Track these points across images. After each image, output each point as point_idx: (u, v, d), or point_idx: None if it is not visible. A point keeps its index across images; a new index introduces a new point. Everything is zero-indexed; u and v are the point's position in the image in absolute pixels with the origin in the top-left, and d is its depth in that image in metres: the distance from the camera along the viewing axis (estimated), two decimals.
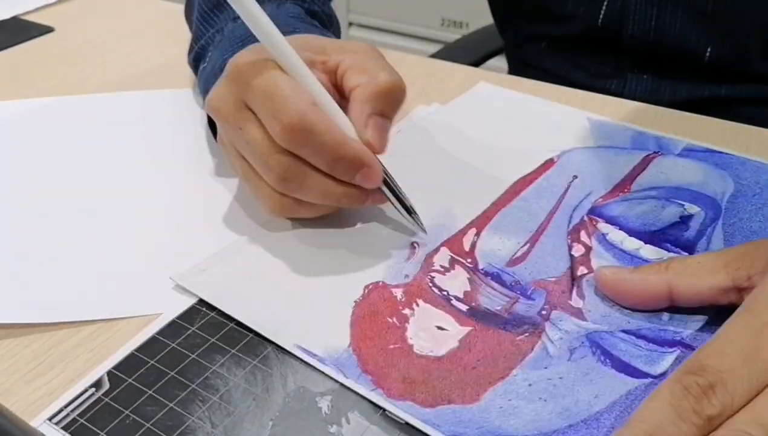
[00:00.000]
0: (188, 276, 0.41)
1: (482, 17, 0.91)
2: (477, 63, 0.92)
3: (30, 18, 0.75)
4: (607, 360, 0.35)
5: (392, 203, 0.43)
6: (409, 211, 0.43)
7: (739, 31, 0.64)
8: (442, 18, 1.94)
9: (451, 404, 0.33)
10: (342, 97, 0.43)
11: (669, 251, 0.42)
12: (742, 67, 0.65)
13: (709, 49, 0.64)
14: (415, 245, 0.43)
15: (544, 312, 0.38)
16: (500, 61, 0.97)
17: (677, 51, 0.65)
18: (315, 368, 0.35)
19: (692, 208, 0.45)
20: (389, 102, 0.42)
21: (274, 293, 0.40)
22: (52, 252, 0.43)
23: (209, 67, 0.50)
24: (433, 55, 0.89)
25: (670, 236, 0.43)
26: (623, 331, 0.37)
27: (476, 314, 0.38)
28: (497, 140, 0.53)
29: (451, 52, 0.97)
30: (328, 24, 0.56)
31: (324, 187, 0.41)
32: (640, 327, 0.37)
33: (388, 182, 0.43)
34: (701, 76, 0.66)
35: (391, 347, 0.36)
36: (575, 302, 0.39)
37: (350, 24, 2.16)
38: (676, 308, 0.38)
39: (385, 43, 1.95)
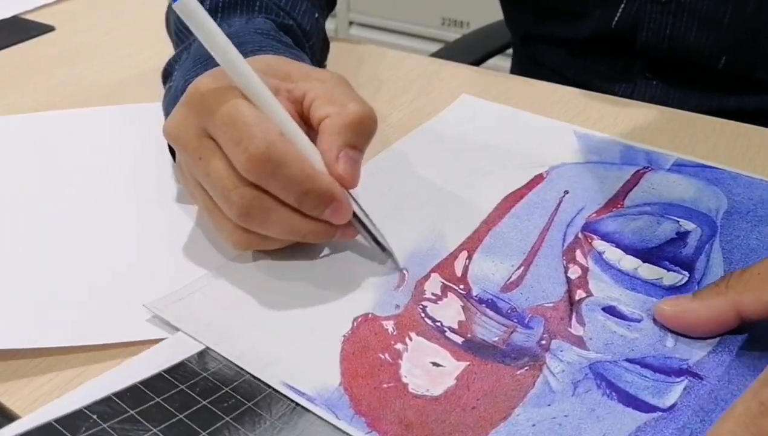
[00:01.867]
0: (164, 304, 0.38)
1: (483, 16, 0.91)
2: (477, 62, 0.91)
3: (30, 17, 0.75)
4: (613, 394, 0.34)
5: (363, 237, 0.41)
6: (382, 247, 0.41)
7: (755, 42, 0.62)
8: (442, 17, 1.95)
9: None
10: (309, 127, 0.40)
11: (668, 269, 0.41)
12: (755, 78, 0.64)
13: (723, 59, 0.63)
14: (405, 270, 0.41)
15: (543, 342, 0.36)
16: (501, 61, 0.97)
17: (690, 59, 0.64)
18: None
19: (688, 225, 0.44)
20: (361, 134, 0.39)
21: (257, 325, 0.37)
22: (29, 275, 0.41)
23: (173, 88, 0.46)
24: (433, 55, 0.88)
25: (668, 253, 0.42)
26: (627, 360, 0.35)
27: (472, 347, 0.36)
28: (483, 156, 0.51)
29: (450, 51, 0.96)
30: (303, 40, 0.53)
31: (290, 222, 0.38)
32: (644, 355, 0.35)
33: (359, 217, 0.40)
34: (712, 85, 0.65)
35: (385, 386, 0.34)
36: (575, 329, 0.37)
37: (351, 23, 2.15)
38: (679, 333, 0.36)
39: (385, 42, 1.95)
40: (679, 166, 0.49)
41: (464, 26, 1.91)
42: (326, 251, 0.42)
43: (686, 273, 0.40)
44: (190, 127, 0.38)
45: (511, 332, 0.37)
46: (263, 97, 0.38)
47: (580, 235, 0.43)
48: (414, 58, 0.66)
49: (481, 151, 0.52)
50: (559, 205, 0.46)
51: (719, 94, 0.65)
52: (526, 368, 0.35)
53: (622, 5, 0.65)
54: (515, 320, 0.38)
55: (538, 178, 0.48)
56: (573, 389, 0.34)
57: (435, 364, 0.35)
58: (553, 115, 0.57)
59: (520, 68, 0.81)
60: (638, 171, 0.49)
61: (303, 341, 0.36)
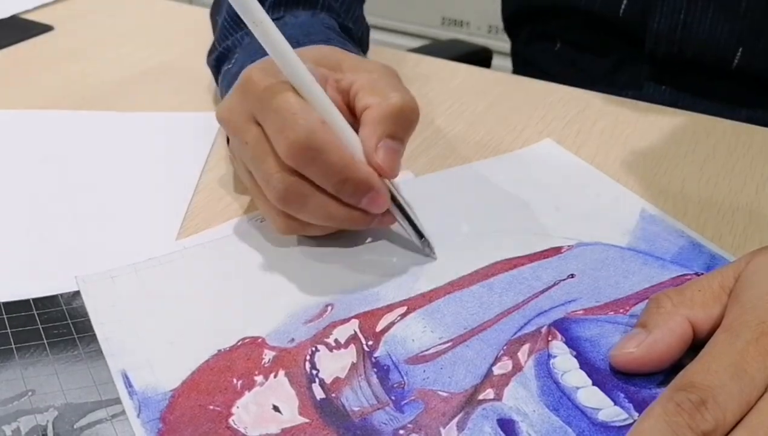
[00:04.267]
0: (93, 280, 0.40)
1: (482, 16, 0.84)
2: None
3: (30, 17, 0.74)
4: None
5: (401, 225, 0.41)
6: (421, 235, 0.41)
7: None
8: (442, 17, 1.89)
9: None
10: (354, 118, 0.40)
11: (617, 402, 0.33)
12: None
13: (740, 51, 0.60)
14: (330, 307, 0.38)
15: (401, 432, 0.32)
16: (502, 61, 0.92)
17: (704, 54, 0.61)
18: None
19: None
20: (401, 124, 0.39)
21: (154, 320, 0.37)
22: None
23: (234, 69, 0.49)
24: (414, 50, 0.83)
25: (634, 384, 0.33)
26: None
27: (326, 407, 0.33)
28: (517, 210, 0.45)
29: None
30: (358, 44, 0.53)
31: (327, 209, 0.39)
32: None
33: (400, 206, 0.40)
34: (723, 91, 0.62)
35: (211, 407, 0.33)
36: (448, 432, 0.31)
37: None
38: None
39: (385, 41, 1.86)
40: None
41: (464, 26, 1.84)
42: (274, 269, 0.41)
43: (636, 415, 0.32)
44: (239, 111, 0.40)
45: (376, 409, 0.33)
46: (308, 86, 0.38)
47: (544, 329, 0.36)
48: (414, 58, 0.65)
49: (519, 204, 0.46)
50: (548, 289, 0.39)
51: (729, 106, 0.61)
52: None
53: None
54: (392, 398, 0.33)
55: (553, 251, 0.42)
56: None
57: (275, 408, 0.33)
58: (552, 114, 0.56)
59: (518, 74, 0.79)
60: (684, 275, 0.39)
61: (179, 343, 0.36)
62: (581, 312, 0.37)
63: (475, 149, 0.52)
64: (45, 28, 0.71)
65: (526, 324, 0.37)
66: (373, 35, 0.63)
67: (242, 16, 0.38)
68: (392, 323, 0.37)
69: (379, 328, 0.37)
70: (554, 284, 0.39)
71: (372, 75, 0.41)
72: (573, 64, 0.71)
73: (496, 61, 0.98)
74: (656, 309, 0.35)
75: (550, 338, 0.36)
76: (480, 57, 0.96)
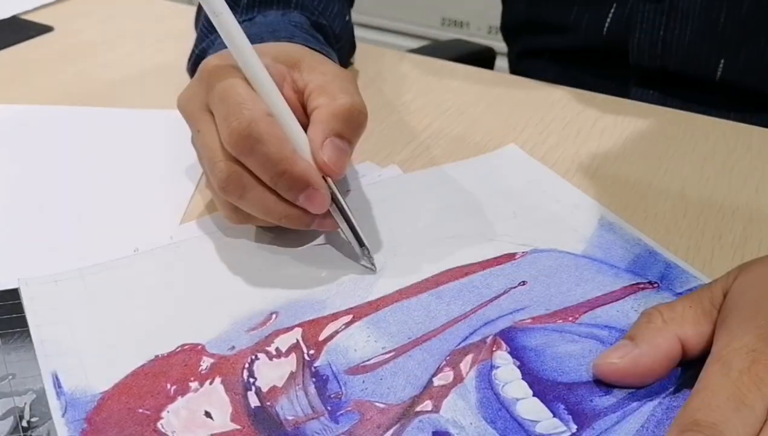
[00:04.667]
0: (36, 283, 0.39)
1: (483, 16, 0.83)
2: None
3: (29, 17, 0.73)
4: None
5: (342, 232, 0.41)
6: (362, 243, 0.40)
7: (755, 45, 0.59)
8: (442, 17, 1.88)
9: None
10: (307, 118, 0.40)
11: (557, 414, 0.32)
12: (756, 89, 0.61)
13: (722, 63, 0.60)
14: (274, 315, 0.38)
15: None
16: (503, 62, 0.90)
17: (686, 67, 0.61)
18: None
19: None
20: (348, 124, 0.39)
21: (94, 324, 0.37)
22: None
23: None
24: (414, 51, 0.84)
25: (577, 396, 0.33)
26: None
27: (259, 415, 0.32)
28: (474, 214, 0.44)
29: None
30: (332, 41, 0.53)
31: (265, 202, 0.39)
32: None
33: (342, 209, 0.40)
34: (711, 98, 0.61)
35: (140, 410, 0.32)
36: None
37: None
38: None
39: (384, 42, 1.87)
40: None
41: (464, 26, 1.84)
42: (221, 275, 0.40)
43: (574, 427, 0.31)
44: (194, 101, 0.41)
45: (310, 419, 0.32)
46: (260, 79, 0.38)
47: (490, 338, 0.36)
48: (414, 58, 0.65)
49: (477, 209, 0.45)
50: (498, 297, 0.38)
51: (719, 110, 0.59)
52: None
53: (613, 8, 0.63)
54: (328, 408, 0.33)
55: (506, 258, 0.41)
56: None
57: (207, 414, 0.32)
58: (552, 114, 0.56)
59: None
60: (637, 284, 0.39)
61: (117, 347, 0.36)
62: (529, 321, 0.37)
63: (475, 150, 0.52)
64: (45, 29, 0.71)
65: (471, 334, 0.36)
66: (373, 36, 0.63)
67: (204, 7, 0.38)
68: (336, 332, 0.36)
69: (322, 337, 0.36)
70: (504, 292, 0.38)
71: (326, 77, 0.41)
72: (565, 73, 0.71)
73: (497, 62, 0.97)
74: (646, 323, 0.34)
75: (494, 348, 0.35)
76: (484, 57, 0.96)
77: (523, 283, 0.39)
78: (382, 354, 0.35)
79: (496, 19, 0.80)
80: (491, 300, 0.38)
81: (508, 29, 0.78)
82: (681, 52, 0.61)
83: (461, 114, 0.56)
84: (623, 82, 0.65)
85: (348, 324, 0.37)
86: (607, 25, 0.64)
